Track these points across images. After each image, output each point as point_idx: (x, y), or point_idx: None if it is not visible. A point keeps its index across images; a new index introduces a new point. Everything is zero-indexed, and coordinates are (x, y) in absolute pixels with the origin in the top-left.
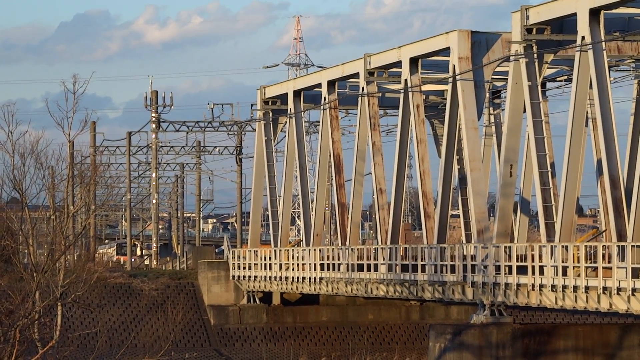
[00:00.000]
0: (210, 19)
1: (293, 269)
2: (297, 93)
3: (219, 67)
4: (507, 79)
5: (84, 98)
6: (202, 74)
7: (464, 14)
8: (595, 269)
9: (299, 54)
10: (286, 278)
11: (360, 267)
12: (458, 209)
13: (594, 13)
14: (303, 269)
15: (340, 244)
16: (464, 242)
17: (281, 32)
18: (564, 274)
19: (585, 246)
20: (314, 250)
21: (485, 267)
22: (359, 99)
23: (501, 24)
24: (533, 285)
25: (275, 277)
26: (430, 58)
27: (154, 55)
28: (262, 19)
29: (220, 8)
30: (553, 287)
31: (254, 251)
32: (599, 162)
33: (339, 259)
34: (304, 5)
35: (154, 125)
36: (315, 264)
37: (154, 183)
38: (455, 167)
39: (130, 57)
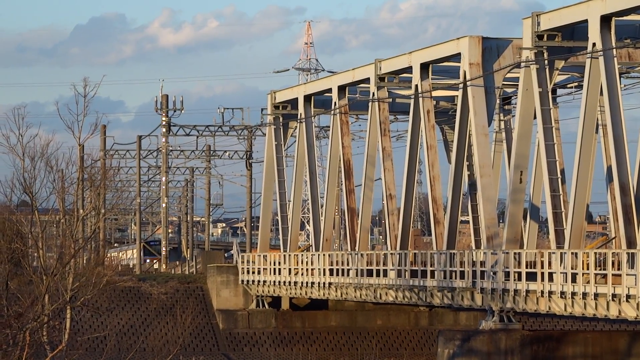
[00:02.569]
0: (225, 23)
1: (302, 274)
2: (307, 98)
3: (233, 71)
4: (517, 85)
5: (97, 101)
6: (215, 77)
7: (479, 20)
8: (605, 276)
9: (310, 59)
10: (295, 283)
11: (370, 273)
12: (468, 215)
13: (605, 20)
14: (312, 274)
15: (349, 249)
16: (474, 248)
17: (296, 37)
18: (573, 280)
19: (595, 253)
20: (323, 255)
21: (495, 273)
22: (370, 104)
23: (516, 30)
24: (542, 292)
25: (284, 282)
26: (441, 64)
27: (167, 59)
28: (277, 24)
29: (236, 12)
30: (562, 293)
31: (263, 256)
32: (609, 168)
33: (348, 264)
34: (320, 10)
35: (164, 129)
36: (324, 269)
37: (163, 187)
38: (465, 173)
39: (144, 60)
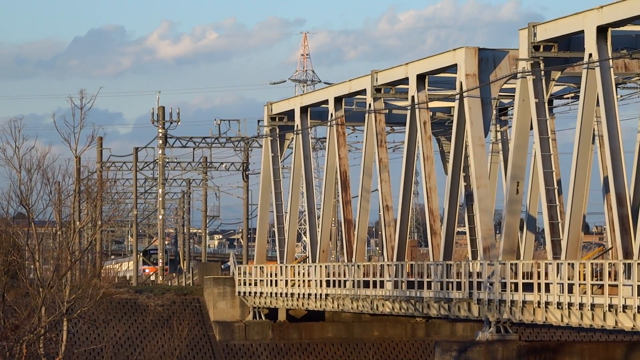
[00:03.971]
0: (225, 35)
1: (299, 286)
2: (304, 109)
3: (232, 82)
4: (514, 96)
5: (95, 113)
6: (213, 89)
7: (478, 31)
8: (601, 286)
9: (306, 71)
10: (292, 294)
11: (366, 284)
12: (464, 226)
13: (602, 30)
14: (309, 286)
15: (346, 261)
16: (470, 259)
17: (295, 48)
18: (570, 291)
19: (592, 264)
20: (320, 266)
21: (491, 284)
22: (366, 115)
23: (515, 41)
24: (539, 303)
25: (281, 294)
26: (438, 75)
27: (166, 71)
28: (277, 35)
29: (235, 24)
30: (559, 304)
31: (260, 267)
32: (606, 179)
33: (344, 276)
34: (320, 21)
35: (160, 141)
36: (321, 281)
37: (160, 199)
38: (462, 184)
39: (142, 72)
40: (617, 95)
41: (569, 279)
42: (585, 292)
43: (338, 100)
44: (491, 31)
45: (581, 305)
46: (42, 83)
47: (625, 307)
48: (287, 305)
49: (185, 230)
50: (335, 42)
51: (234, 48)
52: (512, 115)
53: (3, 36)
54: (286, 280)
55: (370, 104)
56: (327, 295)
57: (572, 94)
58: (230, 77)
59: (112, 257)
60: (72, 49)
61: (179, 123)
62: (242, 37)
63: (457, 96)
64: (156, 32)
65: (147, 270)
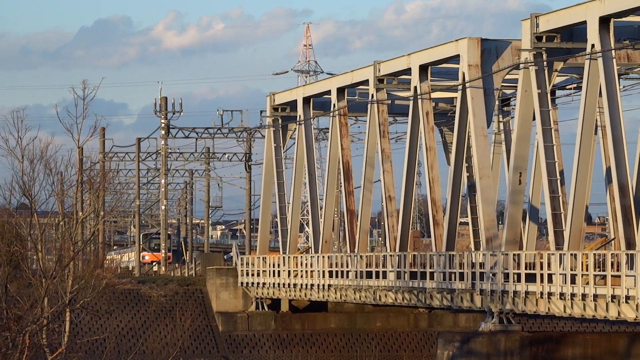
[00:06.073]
0: (232, 25)
1: (301, 276)
2: (306, 100)
3: (238, 73)
4: (516, 86)
5: (100, 104)
6: (219, 80)
7: (484, 21)
8: (604, 277)
9: (309, 61)
10: (294, 285)
11: (369, 275)
12: (467, 217)
13: (604, 21)
14: (311, 276)
15: (348, 251)
16: (473, 249)
17: (301, 39)
18: (573, 282)
19: (594, 254)
20: (323, 257)
21: (494, 274)
22: (369, 106)
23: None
24: (542, 293)
25: (284, 284)
26: (440, 65)
27: (171, 61)
28: (284, 25)
29: (243, 14)
30: (562, 295)
31: (263, 258)
32: (608, 170)
33: (347, 266)
34: (327, 12)
35: (163, 132)
36: (323, 271)
37: (163, 189)
38: (465, 174)
39: (148, 63)
40: (619, 85)
41: (571, 270)
42: (587, 283)
43: (340, 90)
44: (497, 22)
45: (584, 296)
46: (48, 73)
47: (627, 297)
48: (289, 295)
49: (187, 221)
50: (341, 33)
51: (241, 38)
52: (514, 105)
53: (9, 26)
54: (289, 271)
55: (372, 95)
56: (329, 285)
57: (575, 85)
58: (236, 68)
59: (115, 247)
60: (78, 39)
61: (182, 113)
62: (249, 28)
63: (460, 87)
64: (162, 23)
65: (146, 257)
